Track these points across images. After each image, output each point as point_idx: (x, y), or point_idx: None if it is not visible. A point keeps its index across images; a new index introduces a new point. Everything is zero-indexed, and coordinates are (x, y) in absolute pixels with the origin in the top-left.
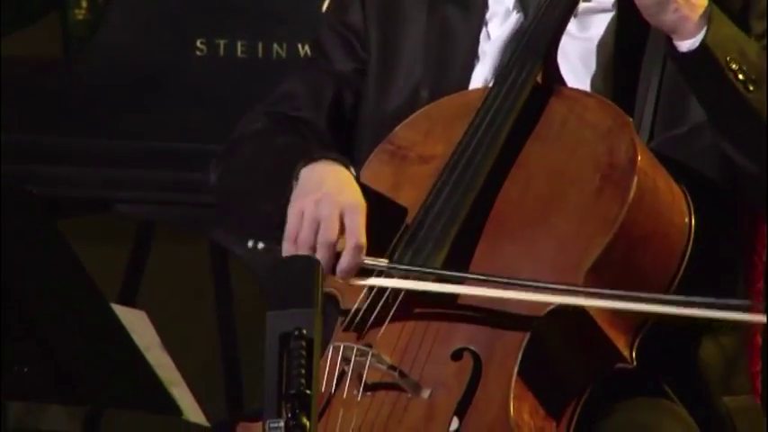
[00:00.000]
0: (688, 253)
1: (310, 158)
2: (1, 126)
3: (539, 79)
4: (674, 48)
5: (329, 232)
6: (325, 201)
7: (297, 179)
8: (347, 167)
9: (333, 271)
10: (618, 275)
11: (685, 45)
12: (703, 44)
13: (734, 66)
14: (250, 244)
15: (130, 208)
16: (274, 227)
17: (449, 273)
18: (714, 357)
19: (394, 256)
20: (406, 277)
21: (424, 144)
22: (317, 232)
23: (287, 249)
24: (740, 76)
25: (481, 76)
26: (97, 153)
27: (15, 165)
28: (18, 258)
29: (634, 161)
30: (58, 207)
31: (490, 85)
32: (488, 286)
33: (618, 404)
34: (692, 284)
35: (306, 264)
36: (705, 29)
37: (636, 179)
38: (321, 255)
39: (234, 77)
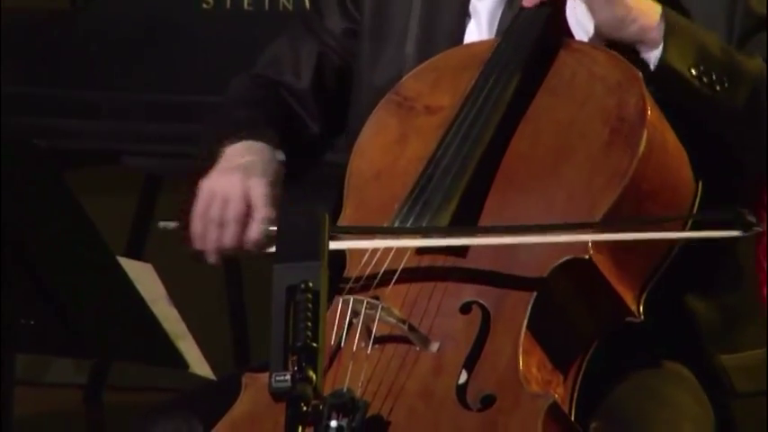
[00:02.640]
0: (696, 205)
1: (234, 138)
2: (7, 79)
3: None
4: (643, 64)
5: (236, 208)
6: (231, 178)
7: (220, 155)
8: (270, 148)
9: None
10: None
11: (652, 56)
12: (663, 61)
13: (696, 72)
14: (161, 225)
15: (137, 160)
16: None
17: (444, 228)
18: (709, 317)
19: (402, 210)
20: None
21: (430, 95)
22: (224, 209)
23: (196, 225)
24: (704, 80)
25: (475, 32)
26: (104, 106)
27: (22, 118)
28: (24, 212)
29: (644, 115)
30: (64, 160)
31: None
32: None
33: (623, 366)
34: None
35: (312, 217)
36: (662, 45)
37: (646, 133)
38: (230, 230)
39: (241, 30)
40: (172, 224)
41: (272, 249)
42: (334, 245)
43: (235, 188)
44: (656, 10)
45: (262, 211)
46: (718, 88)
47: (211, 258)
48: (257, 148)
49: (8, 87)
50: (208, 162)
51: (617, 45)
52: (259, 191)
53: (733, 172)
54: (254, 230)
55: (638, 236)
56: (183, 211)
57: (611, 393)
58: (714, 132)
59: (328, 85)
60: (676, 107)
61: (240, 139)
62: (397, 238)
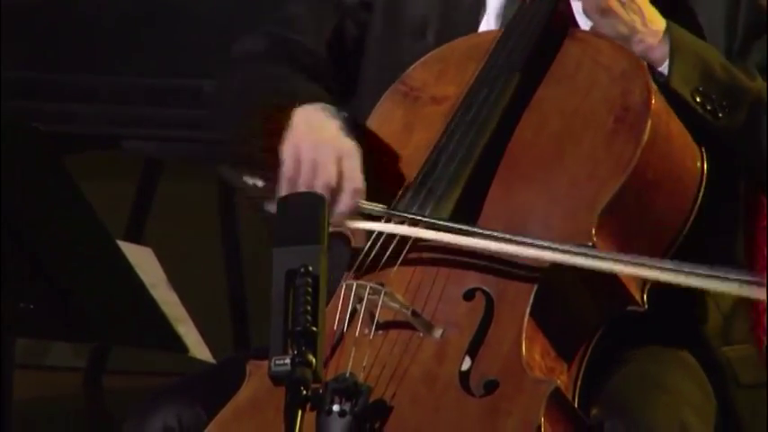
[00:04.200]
0: (700, 197)
1: (303, 100)
2: (7, 63)
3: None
4: None
5: (328, 177)
6: (323, 145)
7: (289, 117)
8: (338, 110)
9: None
10: (631, 218)
11: (656, 72)
12: (666, 85)
13: (699, 99)
14: (247, 180)
15: (137, 145)
16: (266, 164)
17: (449, 224)
18: (712, 311)
19: (406, 196)
20: (403, 222)
21: (436, 85)
22: (315, 176)
23: (283, 188)
24: (708, 107)
25: (485, 24)
26: (104, 90)
27: (22, 102)
28: (24, 196)
29: (648, 104)
30: (64, 144)
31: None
32: (488, 239)
33: (627, 353)
34: (692, 249)
35: (312, 200)
36: (667, 66)
37: (650, 122)
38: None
39: (242, 13)
40: (259, 182)
41: (360, 225)
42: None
43: (326, 155)
44: (661, 27)
45: (353, 182)
46: (720, 115)
47: None
48: (330, 111)
49: (8, 71)
50: (252, 121)
51: None
52: (350, 160)
53: (728, 166)
54: (344, 202)
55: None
56: (266, 170)
57: (613, 379)
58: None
59: (346, 50)
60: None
61: (296, 97)
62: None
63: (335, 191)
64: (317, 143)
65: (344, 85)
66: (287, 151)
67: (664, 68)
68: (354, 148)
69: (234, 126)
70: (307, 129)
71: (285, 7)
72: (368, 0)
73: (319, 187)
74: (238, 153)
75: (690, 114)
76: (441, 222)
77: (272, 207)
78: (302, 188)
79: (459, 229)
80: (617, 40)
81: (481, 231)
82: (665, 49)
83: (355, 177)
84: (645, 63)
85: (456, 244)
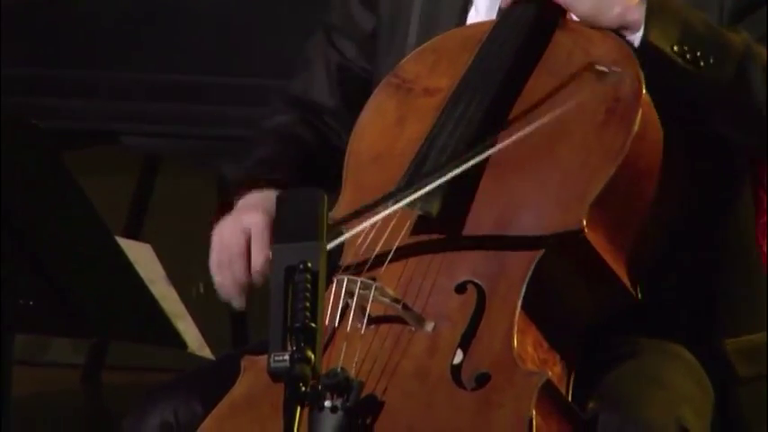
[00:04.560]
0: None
1: (250, 186)
2: (6, 59)
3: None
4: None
5: (234, 248)
6: (233, 227)
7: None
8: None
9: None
10: (622, 207)
11: (636, 38)
12: (645, 40)
13: (677, 49)
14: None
15: (136, 140)
16: None
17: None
18: (711, 299)
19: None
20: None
21: (429, 77)
22: (228, 251)
23: (215, 275)
24: (688, 57)
25: (474, 18)
26: (103, 86)
27: (21, 98)
28: (23, 192)
29: (639, 94)
30: (63, 140)
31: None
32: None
33: (624, 347)
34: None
35: (311, 197)
36: (643, 24)
37: (641, 112)
38: (238, 265)
39: (241, 9)
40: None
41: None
42: (333, 243)
43: (232, 228)
44: None
45: (258, 242)
46: (702, 65)
47: (237, 302)
48: (264, 196)
49: (7, 68)
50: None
51: None
52: (254, 223)
53: (726, 156)
54: (255, 260)
55: None
56: None
57: (610, 374)
58: (704, 113)
59: (354, 96)
60: (664, 91)
61: (255, 187)
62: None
63: (248, 254)
64: (230, 229)
65: None
66: (213, 239)
67: (640, 33)
68: (255, 216)
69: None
70: (232, 217)
71: (301, 64)
72: (371, 31)
73: (232, 262)
74: None
75: (674, 101)
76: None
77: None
78: (225, 270)
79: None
80: (592, 12)
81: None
82: (642, 10)
83: (257, 232)
84: (635, 54)
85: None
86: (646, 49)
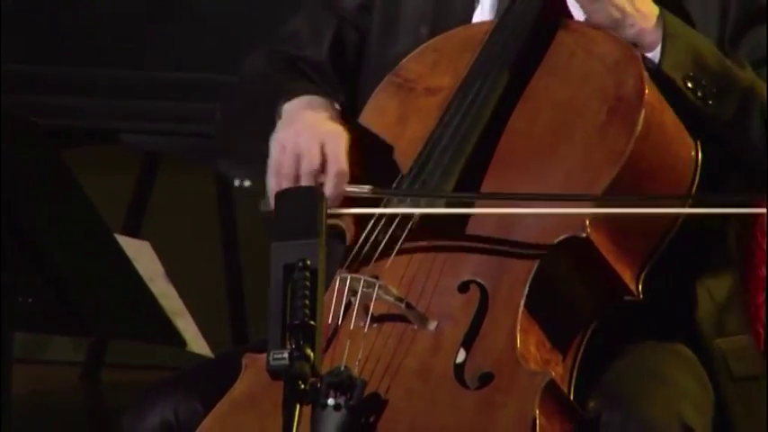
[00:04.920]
0: (695, 186)
1: (291, 93)
2: (6, 56)
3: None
4: None
5: (311, 161)
6: (305, 132)
7: (280, 116)
8: (329, 101)
9: None
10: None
11: (647, 58)
12: (658, 69)
13: (690, 84)
14: (236, 182)
15: (136, 138)
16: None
17: (445, 194)
18: (704, 303)
19: (402, 188)
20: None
21: (430, 76)
22: (299, 163)
23: (271, 182)
24: (699, 93)
25: (479, 15)
26: (103, 83)
27: (21, 95)
28: (23, 190)
29: (641, 94)
30: (63, 137)
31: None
32: (488, 205)
33: (624, 345)
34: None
35: (309, 195)
36: (660, 50)
37: (643, 112)
38: (305, 184)
39: (240, 7)
40: (247, 182)
41: (348, 210)
42: (333, 211)
43: (308, 141)
44: (654, 12)
45: (336, 165)
46: (711, 102)
47: None
48: (318, 101)
49: (6, 65)
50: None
51: None
52: (334, 144)
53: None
54: (330, 186)
55: (633, 211)
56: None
57: (611, 371)
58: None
59: (347, 57)
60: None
61: (289, 95)
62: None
63: (320, 176)
64: (299, 132)
65: (351, 92)
66: (272, 144)
67: (654, 55)
68: (337, 132)
69: (241, 139)
70: (291, 121)
71: (287, 24)
72: (367, 3)
73: (304, 174)
74: (245, 161)
75: (681, 103)
76: (423, 192)
77: (264, 205)
78: (287, 177)
79: (454, 197)
80: (609, 25)
81: (467, 195)
82: (658, 33)
83: (339, 161)
84: (638, 53)
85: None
86: (657, 75)
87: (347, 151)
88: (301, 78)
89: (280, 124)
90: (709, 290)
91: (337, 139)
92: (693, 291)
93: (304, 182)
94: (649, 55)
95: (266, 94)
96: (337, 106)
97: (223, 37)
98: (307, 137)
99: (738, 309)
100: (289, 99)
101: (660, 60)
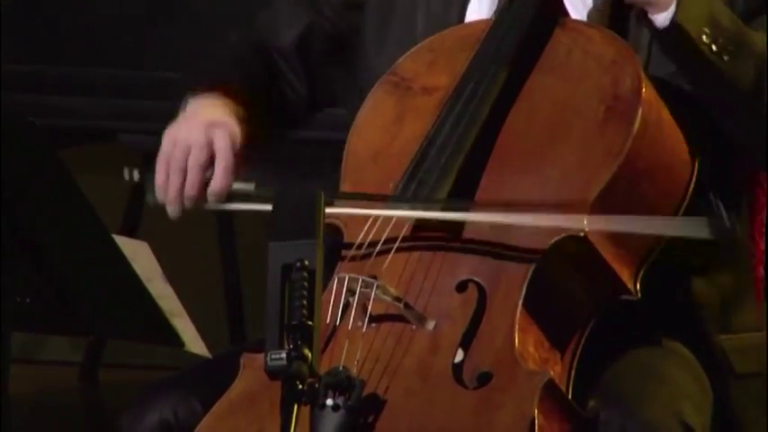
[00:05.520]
0: (692, 184)
1: (201, 89)
2: (4, 56)
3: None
4: (650, 23)
5: (197, 156)
6: (196, 127)
7: (184, 108)
8: (235, 103)
9: (204, 194)
10: (623, 207)
11: (660, 18)
12: (674, 22)
13: (706, 39)
14: (126, 174)
15: (134, 138)
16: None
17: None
18: (709, 297)
19: (398, 188)
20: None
21: (427, 75)
22: (188, 156)
23: (160, 174)
24: (714, 48)
25: (476, 13)
26: (101, 83)
27: (19, 95)
28: (20, 190)
29: (639, 93)
30: (60, 137)
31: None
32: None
33: (623, 344)
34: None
35: (308, 195)
36: (675, 3)
37: (641, 111)
38: (192, 177)
39: (240, 6)
40: (136, 174)
41: (233, 206)
42: (330, 210)
43: (198, 135)
44: None
45: (224, 159)
46: (725, 57)
47: (172, 210)
48: (221, 103)
49: (5, 64)
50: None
51: (620, 17)
52: (222, 140)
53: (729, 153)
54: (217, 180)
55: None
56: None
57: (610, 371)
58: (713, 107)
59: (315, 47)
60: (676, 82)
61: (204, 91)
62: (394, 208)
63: (208, 170)
64: (190, 127)
65: (321, 85)
66: (164, 137)
67: (669, 13)
68: (226, 127)
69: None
70: (188, 116)
71: (264, 12)
72: (359, 1)
73: (191, 167)
74: None
75: (678, 100)
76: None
77: (150, 198)
78: (175, 170)
79: (449, 204)
80: None
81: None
82: None
83: (225, 156)
84: (634, 52)
85: (451, 219)
86: (672, 30)
87: (233, 149)
88: (260, 67)
89: (179, 117)
90: (713, 287)
91: (225, 134)
92: (695, 287)
93: (190, 175)
94: (663, 14)
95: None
96: (240, 114)
97: (221, 37)
98: (197, 132)
99: (746, 306)
100: (195, 94)
101: (675, 12)
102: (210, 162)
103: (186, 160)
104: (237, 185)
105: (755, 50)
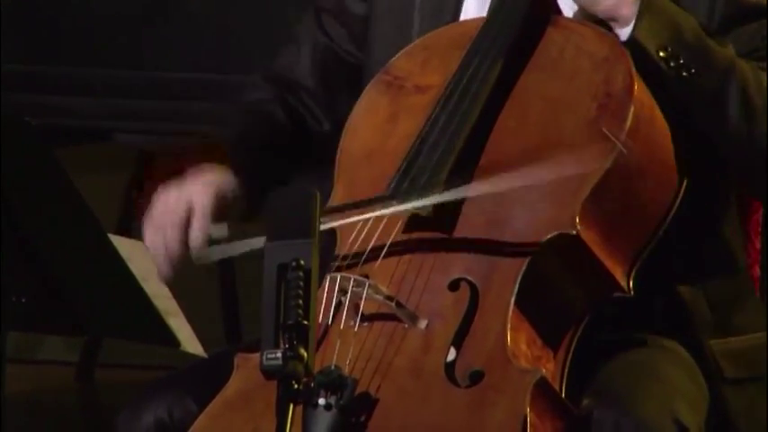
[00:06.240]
0: (685, 182)
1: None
2: (4, 56)
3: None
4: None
5: (175, 213)
6: (176, 188)
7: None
8: (230, 172)
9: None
10: (615, 204)
11: (623, 33)
12: (632, 37)
13: (664, 55)
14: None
15: (130, 138)
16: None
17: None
18: (697, 304)
19: (390, 187)
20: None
21: (420, 74)
22: (166, 215)
23: (147, 232)
24: (672, 64)
25: (471, 11)
26: (97, 82)
27: (15, 95)
28: (16, 189)
29: (631, 90)
30: (56, 137)
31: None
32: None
33: (617, 343)
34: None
35: (303, 195)
36: (634, 19)
37: (633, 108)
38: (172, 235)
39: (237, 8)
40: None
41: (217, 258)
42: (324, 225)
43: (177, 196)
44: None
45: (200, 218)
46: (684, 74)
47: (162, 269)
48: (219, 174)
49: (4, 65)
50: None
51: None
52: (199, 199)
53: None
54: (193, 236)
55: None
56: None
57: (604, 369)
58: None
59: (336, 80)
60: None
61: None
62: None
63: (186, 226)
64: (173, 190)
65: (342, 113)
66: (155, 199)
67: (628, 30)
68: (202, 192)
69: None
70: (179, 182)
71: (286, 45)
72: (362, 16)
73: (169, 225)
74: None
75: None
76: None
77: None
78: (156, 229)
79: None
80: None
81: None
82: (635, 7)
83: (200, 215)
84: (626, 50)
85: (433, 203)
86: (632, 45)
87: (212, 208)
88: (282, 120)
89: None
90: (702, 290)
91: (202, 195)
92: (684, 291)
93: (172, 232)
94: (625, 29)
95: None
96: (233, 184)
97: (219, 37)
98: (174, 195)
99: (741, 309)
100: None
101: (634, 27)
102: (188, 219)
103: (165, 220)
104: (214, 231)
105: (719, 66)
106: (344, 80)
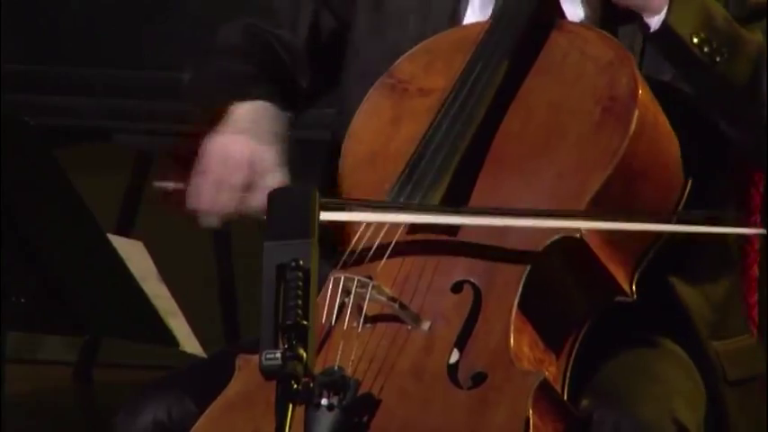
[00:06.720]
0: (688, 185)
1: (243, 96)
2: (3, 56)
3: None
4: (643, 26)
5: (242, 173)
6: (239, 146)
7: (227, 111)
8: (279, 112)
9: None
10: (618, 207)
11: (653, 21)
12: (665, 24)
13: (698, 41)
14: (156, 184)
15: (129, 138)
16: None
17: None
18: (699, 306)
19: (393, 189)
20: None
21: (424, 77)
22: (230, 173)
23: (198, 185)
24: (706, 50)
25: (471, 15)
26: (96, 83)
27: (13, 95)
28: (15, 189)
29: (635, 94)
30: (56, 137)
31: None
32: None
33: (617, 344)
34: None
35: (303, 194)
36: (667, 6)
37: (637, 112)
38: (233, 195)
39: (235, 6)
40: (170, 184)
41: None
42: (326, 216)
43: (243, 153)
44: None
45: (268, 180)
46: (717, 59)
47: (207, 220)
48: (265, 109)
49: (3, 65)
50: (207, 117)
51: (616, 16)
52: (268, 159)
53: (724, 157)
54: (258, 199)
55: (624, 226)
56: (181, 171)
57: (603, 370)
58: (708, 108)
59: (323, 43)
60: (671, 84)
61: (245, 96)
62: (390, 212)
63: (247, 187)
64: (234, 141)
65: (321, 77)
66: (207, 143)
67: (660, 18)
68: (270, 150)
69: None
70: (232, 126)
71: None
72: None
73: (235, 185)
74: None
75: (680, 95)
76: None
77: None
78: (210, 183)
79: (444, 210)
80: None
81: (472, 209)
82: None
83: (268, 176)
84: (631, 54)
85: (441, 224)
86: (664, 32)
87: (279, 166)
88: (271, 69)
89: (222, 124)
90: (703, 291)
91: (270, 154)
92: (684, 292)
93: (233, 193)
94: (656, 18)
95: (234, 78)
96: (285, 117)
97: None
98: (238, 146)
99: (736, 310)
100: (239, 101)
101: (667, 15)
102: (253, 179)
103: (229, 178)
104: None
105: (750, 51)
106: (330, 40)
